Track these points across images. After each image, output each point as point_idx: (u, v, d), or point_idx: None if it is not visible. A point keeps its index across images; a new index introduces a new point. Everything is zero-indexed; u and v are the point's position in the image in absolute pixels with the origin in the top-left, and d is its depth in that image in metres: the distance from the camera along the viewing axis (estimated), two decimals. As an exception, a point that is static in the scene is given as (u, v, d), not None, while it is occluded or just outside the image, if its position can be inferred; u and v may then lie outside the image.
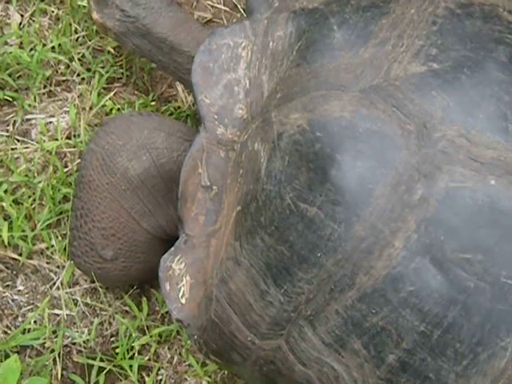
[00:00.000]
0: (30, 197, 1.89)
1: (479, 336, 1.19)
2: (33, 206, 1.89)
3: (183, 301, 1.47)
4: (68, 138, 1.98)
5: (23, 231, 1.86)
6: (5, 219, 1.86)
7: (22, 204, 1.89)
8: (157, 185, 1.63)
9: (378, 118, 1.24)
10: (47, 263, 1.88)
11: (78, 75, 2.07)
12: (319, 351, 1.29)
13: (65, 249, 1.86)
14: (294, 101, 1.32)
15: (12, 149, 1.97)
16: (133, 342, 1.79)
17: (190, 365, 1.81)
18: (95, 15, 1.76)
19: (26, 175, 1.92)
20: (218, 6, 2.18)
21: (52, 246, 1.86)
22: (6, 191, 1.88)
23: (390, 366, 1.24)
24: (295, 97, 1.33)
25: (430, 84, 1.24)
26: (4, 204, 1.86)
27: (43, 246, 1.89)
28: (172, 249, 1.48)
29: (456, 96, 1.22)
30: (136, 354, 1.79)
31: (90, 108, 2.01)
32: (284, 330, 1.33)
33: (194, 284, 1.47)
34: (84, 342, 1.81)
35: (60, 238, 1.88)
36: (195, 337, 1.49)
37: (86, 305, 1.86)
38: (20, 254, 1.87)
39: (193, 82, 1.45)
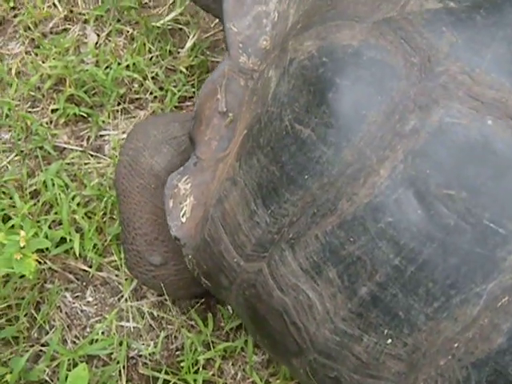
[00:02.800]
0: (101, 210, 1.93)
1: (453, 278, 1.15)
2: (104, 219, 1.93)
3: (183, 220, 1.50)
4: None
5: (94, 244, 1.90)
6: (77, 231, 1.90)
7: (94, 217, 1.93)
8: None
9: (384, 48, 1.23)
10: (116, 276, 1.92)
11: (151, 93, 2.16)
12: (297, 277, 1.29)
13: None
14: (311, 30, 1.33)
15: (85, 163, 2.06)
16: (198, 357, 1.79)
17: (253, 382, 1.80)
18: None
19: (99, 189, 1.98)
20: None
21: (121, 258, 1.89)
22: (78, 204, 1.93)
23: (362, 299, 1.22)
24: (312, 26, 1.34)
25: (443, 20, 1.21)
26: (76, 217, 1.90)
27: (112, 258, 1.92)
28: (181, 168, 1.52)
29: (466, 34, 1.20)
30: (200, 369, 1.78)
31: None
32: (267, 252, 1.33)
33: (196, 205, 1.50)
34: (150, 354, 1.82)
35: None
36: (189, 256, 1.52)
37: (153, 318, 1.88)
38: (90, 266, 1.91)
39: (223, 8, 1.49)
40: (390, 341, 1.22)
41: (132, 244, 1.72)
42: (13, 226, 1.85)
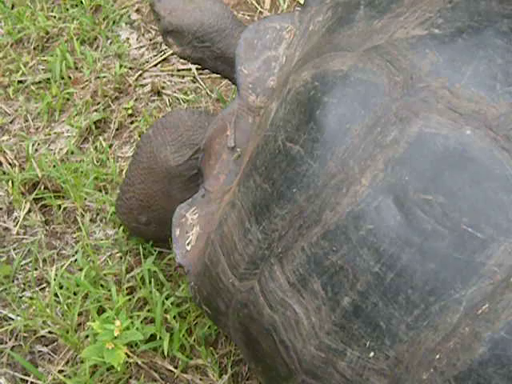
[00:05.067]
0: (193, 312, 1.93)
1: (432, 284, 1.14)
2: (195, 321, 1.93)
3: (188, 248, 1.55)
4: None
5: (182, 344, 1.90)
6: (167, 330, 1.90)
7: (185, 318, 1.94)
8: (194, 176, 1.78)
9: (370, 70, 1.29)
10: (200, 379, 1.88)
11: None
12: (284, 292, 1.30)
13: (219, 366, 1.88)
14: (308, 63, 1.42)
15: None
16: None
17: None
18: (175, 48, 1.88)
19: (193, 291, 2.06)
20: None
21: (208, 362, 1.88)
22: (172, 303, 1.94)
23: (344, 309, 1.21)
24: (310, 60, 1.43)
25: (426, 44, 1.28)
26: (168, 316, 1.91)
27: (199, 361, 1.89)
28: (189, 200, 1.59)
29: (448, 54, 1.25)
30: None
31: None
32: (258, 269, 1.36)
33: (202, 234, 1.55)
34: None
35: (216, 356, 1.88)
36: (192, 283, 1.55)
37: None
38: (176, 367, 1.89)
39: (236, 53, 1.61)
40: (372, 354, 1.20)
41: (127, 199, 1.93)
42: (107, 319, 1.83)
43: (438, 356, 1.14)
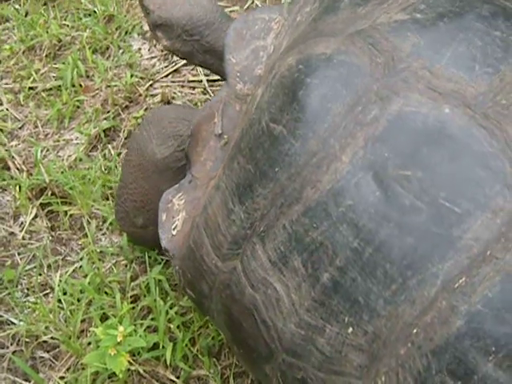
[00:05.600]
0: (197, 322, 1.91)
1: (410, 259, 1.15)
2: (199, 331, 1.92)
3: (174, 232, 1.56)
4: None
5: (185, 354, 1.88)
6: (170, 340, 1.88)
7: (189, 328, 1.92)
8: (182, 167, 1.79)
9: (352, 52, 1.31)
10: None
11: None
12: (265, 270, 1.31)
13: (221, 377, 1.87)
14: (294, 49, 1.44)
15: None
16: None
17: None
18: (164, 42, 1.89)
19: (195, 300, 2.04)
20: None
21: (211, 373, 1.87)
22: (176, 313, 1.92)
23: (324, 285, 1.22)
24: (295, 46, 1.45)
25: (408, 28, 1.30)
26: (171, 325, 1.90)
27: (202, 372, 1.88)
28: (176, 185, 1.60)
29: (428, 36, 1.27)
30: None
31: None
32: (240, 248, 1.36)
33: (188, 219, 1.56)
34: None
35: (219, 367, 1.87)
36: (177, 267, 1.55)
37: None
38: (178, 377, 1.88)
39: (225, 42, 1.63)
40: (350, 329, 1.20)
41: (123, 203, 1.95)
42: (110, 325, 1.81)
43: (415, 330, 1.14)
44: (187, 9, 1.79)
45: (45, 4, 2.79)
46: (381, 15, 1.36)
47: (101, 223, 2.18)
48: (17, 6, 2.79)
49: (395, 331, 1.16)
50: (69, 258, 2.13)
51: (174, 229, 1.57)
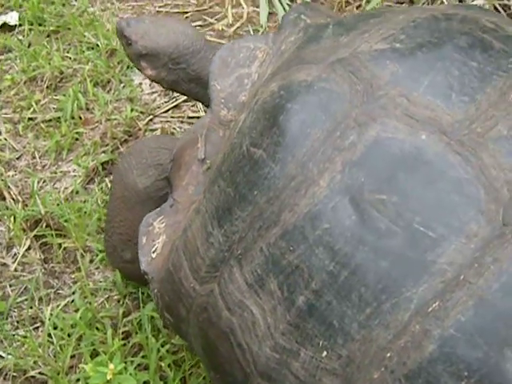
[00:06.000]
0: (189, 361, 1.89)
1: (385, 282, 1.15)
2: (190, 371, 1.88)
3: (154, 255, 1.56)
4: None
5: None
6: (161, 379, 1.87)
7: (181, 366, 1.89)
8: (164, 196, 1.77)
9: (333, 79, 1.34)
10: None
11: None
12: (242, 293, 1.31)
13: None
14: (277, 76, 1.47)
15: None
16: None
17: None
18: (149, 72, 1.87)
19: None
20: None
21: None
22: (167, 351, 1.90)
23: (299, 309, 1.22)
24: (278, 73, 1.48)
25: (387, 56, 1.33)
26: (163, 364, 1.88)
27: None
28: (158, 209, 1.61)
29: (407, 65, 1.30)
30: None
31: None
32: (218, 271, 1.37)
33: (167, 242, 1.56)
34: None
35: None
36: (155, 290, 1.55)
37: None
38: None
39: (210, 69, 1.65)
40: (325, 353, 1.20)
41: (110, 237, 1.95)
42: (100, 362, 1.79)
43: (388, 354, 1.14)
44: (173, 37, 1.80)
45: (48, 36, 2.80)
46: (361, 44, 1.39)
47: (94, 257, 2.16)
48: (20, 37, 2.80)
49: (369, 355, 1.16)
50: (61, 292, 2.11)
51: (153, 252, 1.57)
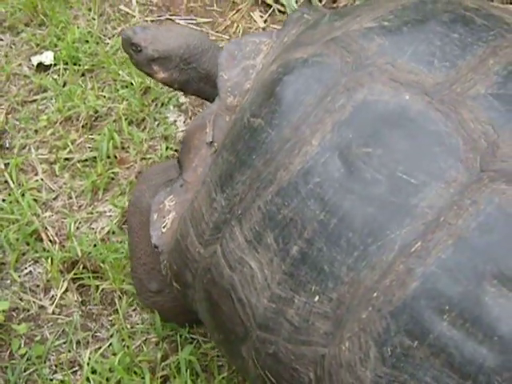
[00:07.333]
0: None
1: (370, 227, 1.23)
2: None
3: (164, 230, 1.66)
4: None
5: None
6: None
7: None
8: None
9: (326, 54, 1.45)
10: None
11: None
12: (242, 250, 1.39)
13: None
14: (278, 59, 1.59)
15: (217, 355, 2.02)
16: None
17: None
18: (161, 74, 1.94)
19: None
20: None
21: None
22: None
23: (293, 258, 1.30)
24: (279, 56, 1.60)
25: (375, 32, 1.44)
26: None
27: None
28: (168, 189, 1.71)
29: (392, 38, 1.41)
30: None
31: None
32: (220, 232, 1.46)
33: (177, 218, 1.66)
34: None
35: None
36: (164, 261, 1.64)
37: None
38: None
39: (218, 61, 1.78)
40: (317, 298, 1.27)
41: (135, 272, 1.97)
42: None
43: (375, 294, 1.22)
44: (183, 38, 1.92)
45: (83, 75, 2.78)
46: (353, 25, 1.50)
47: (132, 299, 2.14)
48: (55, 76, 2.78)
49: (357, 296, 1.23)
50: (98, 334, 2.11)
51: (163, 227, 1.67)
